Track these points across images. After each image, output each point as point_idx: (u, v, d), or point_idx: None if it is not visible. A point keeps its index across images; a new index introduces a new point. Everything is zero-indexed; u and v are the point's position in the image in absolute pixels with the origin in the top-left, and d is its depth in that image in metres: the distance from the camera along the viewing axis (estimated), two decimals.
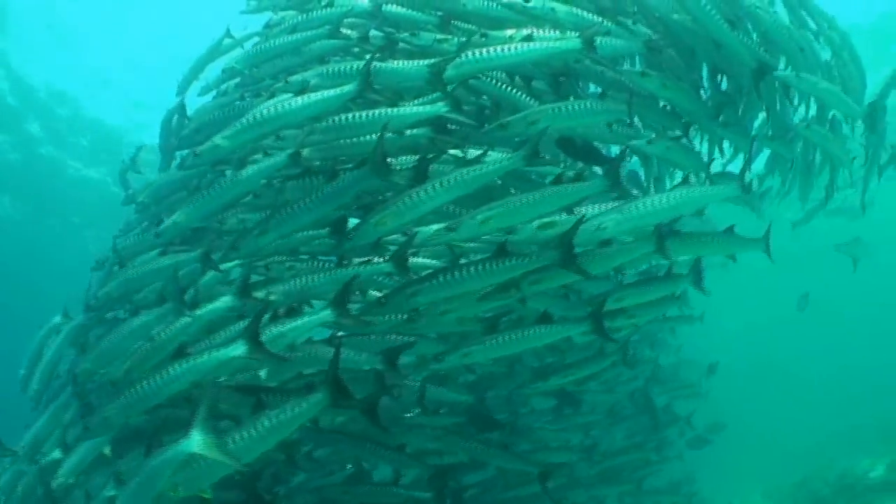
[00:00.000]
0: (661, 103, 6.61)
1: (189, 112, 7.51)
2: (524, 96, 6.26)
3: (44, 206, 23.71)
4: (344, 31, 6.54)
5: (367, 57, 5.72)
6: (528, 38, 5.81)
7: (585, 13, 6.23)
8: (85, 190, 23.29)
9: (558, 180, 5.42)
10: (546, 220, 5.31)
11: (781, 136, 7.31)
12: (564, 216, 5.37)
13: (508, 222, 5.15)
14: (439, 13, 6.44)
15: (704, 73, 6.94)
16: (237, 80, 7.02)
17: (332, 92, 5.40)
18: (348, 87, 5.39)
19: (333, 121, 5.49)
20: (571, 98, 5.93)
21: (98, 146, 22.95)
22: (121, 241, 6.77)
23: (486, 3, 6.26)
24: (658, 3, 6.33)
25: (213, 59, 7.72)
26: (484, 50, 5.66)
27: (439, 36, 6.31)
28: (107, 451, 6.19)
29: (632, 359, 7.83)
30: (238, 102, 6.51)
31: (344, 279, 5.32)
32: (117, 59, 21.75)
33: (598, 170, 6.10)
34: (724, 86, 7.01)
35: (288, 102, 5.36)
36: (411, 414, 6.49)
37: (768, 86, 6.91)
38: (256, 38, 7.32)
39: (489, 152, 5.70)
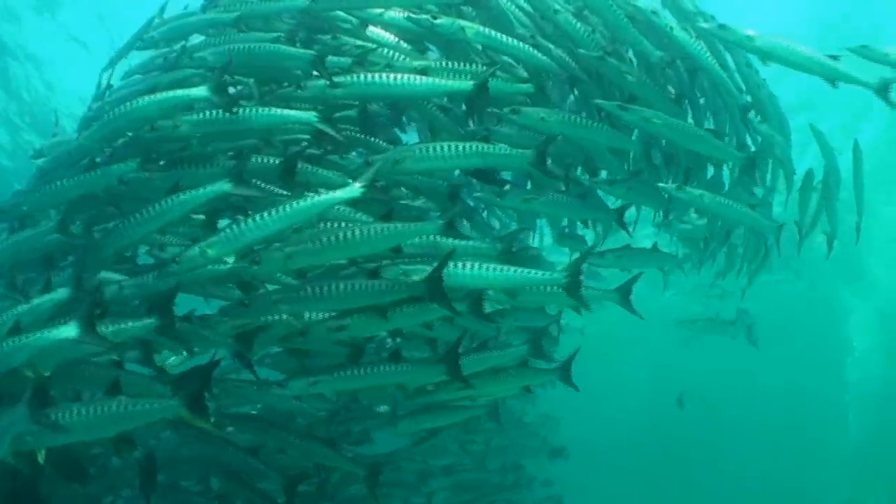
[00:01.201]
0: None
1: None
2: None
3: None
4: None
5: None
6: (423, 72, 5.68)
7: (496, 33, 6.02)
8: None
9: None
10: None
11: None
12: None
13: (321, 259, 4.95)
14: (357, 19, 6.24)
15: None
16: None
17: (180, 92, 5.39)
18: (196, 91, 5.38)
19: (203, 116, 5.45)
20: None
21: None
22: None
23: (399, 17, 6.05)
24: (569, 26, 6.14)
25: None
26: (372, 76, 5.55)
27: (359, 43, 6.17)
28: None
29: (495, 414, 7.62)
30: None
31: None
32: None
33: None
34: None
35: (139, 101, 5.34)
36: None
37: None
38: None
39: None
